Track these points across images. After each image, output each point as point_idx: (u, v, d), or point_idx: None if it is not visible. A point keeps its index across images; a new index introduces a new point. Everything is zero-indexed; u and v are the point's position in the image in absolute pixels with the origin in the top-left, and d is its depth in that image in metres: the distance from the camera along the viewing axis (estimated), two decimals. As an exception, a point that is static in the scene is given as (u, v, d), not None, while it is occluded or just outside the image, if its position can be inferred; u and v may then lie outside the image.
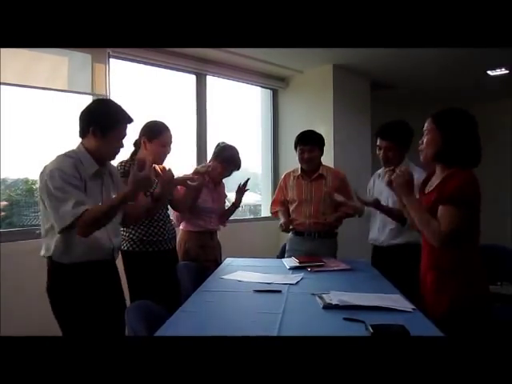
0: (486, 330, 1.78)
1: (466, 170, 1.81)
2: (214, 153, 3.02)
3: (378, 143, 2.72)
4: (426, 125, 1.91)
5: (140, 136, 2.63)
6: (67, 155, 1.95)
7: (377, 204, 2.61)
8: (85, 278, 1.95)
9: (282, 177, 3.24)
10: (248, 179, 3.12)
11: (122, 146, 2.05)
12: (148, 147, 2.59)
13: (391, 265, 2.51)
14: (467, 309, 1.79)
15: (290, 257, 2.96)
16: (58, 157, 1.94)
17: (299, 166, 3.10)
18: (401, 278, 2.20)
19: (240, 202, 3.14)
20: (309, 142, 2.99)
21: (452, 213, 1.75)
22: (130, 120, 2.05)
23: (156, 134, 2.58)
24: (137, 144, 2.66)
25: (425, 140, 1.91)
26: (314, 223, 2.99)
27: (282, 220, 3.03)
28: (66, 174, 1.85)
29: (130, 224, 2.40)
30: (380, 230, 2.70)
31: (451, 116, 1.87)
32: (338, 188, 2.99)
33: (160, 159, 2.64)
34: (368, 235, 2.87)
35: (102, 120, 1.95)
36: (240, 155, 3.02)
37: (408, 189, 1.91)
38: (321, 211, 2.98)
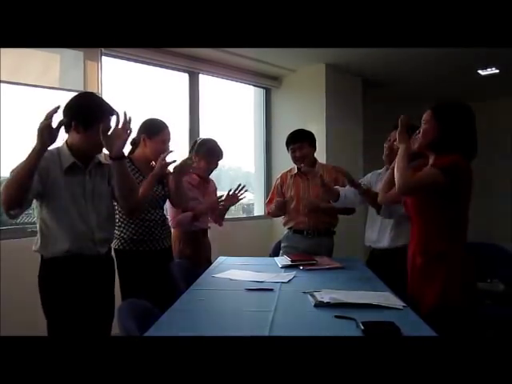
0: (473, 324, 1.82)
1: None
2: (194, 150, 2.97)
3: (392, 134, 2.59)
4: (424, 116, 1.97)
5: (139, 134, 2.62)
6: (48, 150, 1.93)
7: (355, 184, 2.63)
8: (67, 271, 1.97)
9: (278, 177, 3.24)
10: (239, 185, 2.98)
11: None
12: (148, 144, 2.59)
13: (388, 267, 2.50)
14: (454, 303, 1.82)
15: (285, 253, 2.97)
16: None
17: (295, 166, 3.11)
18: (397, 280, 2.20)
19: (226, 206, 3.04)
20: (298, 140, 3.01)
21: (428, 170, 1.84)
22: (112, 112, 2.02)
23: (156, 132, 2.59)
24: (135, 142, 2.66)
25: (421, 129, 1.96)
26: (313, 221, 2.99)
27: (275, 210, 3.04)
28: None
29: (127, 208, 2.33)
30: (380, 232, 2.67)
31: (449, 108, 1.94)
32: (336, 179, 2.98)
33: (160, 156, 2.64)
34: (360, 235, 2.87)
35: (83, 114, 1.95)
36: (219, 145, 2.97)
37: (404, 139, 1.99)
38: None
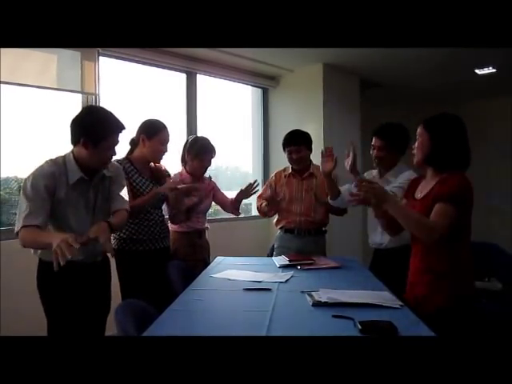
0: (476, 326, 1.82)
1: (458, 172, 1.86)
2: (186, 150, 2.98)
3: (372, 142, 2.74)
4: (418, 130, 1.98)
5: (138, 134, 2.63)
6: (53, 161, 1.99)
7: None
8: (67, 275, 1.96)
9: (273, 175, 3.26)
10: (255, 181, 3.06)
11: (114, 153, 2.06)
12: (147, 145, 2.59)
13: (392, 267, 2.49)
14: (459, 308, 1.83)
15: (279, 254, 2.99)
16: (45, 162, 1.98)
17: (290, 165, 3.12)
18: (402, 279, 2.19)
19: (238, 201, 3.09)
20: (296, 143, 3.02)
21: (450, 210, 1.79)
22: (121, 128, 2.03)
23: (155, 132, 2.59)
24: (134, 142, 2.66)
25: (416, 144, 1.97)
26: (305, 221, 3.01)
27: (265, 202, 3.06)
28: (37, 183, 1.90)
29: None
30: (382, 232, 2.65)
31: (440, 120, 1.94)
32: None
33: (158, 157, 2.66)
34: (359, 235, 2.87)
35: (93, 131, 1.94)
36: (211, 142, 2.97)
37: (385, 197, 1.88)
38: (312, 209, 3.01)
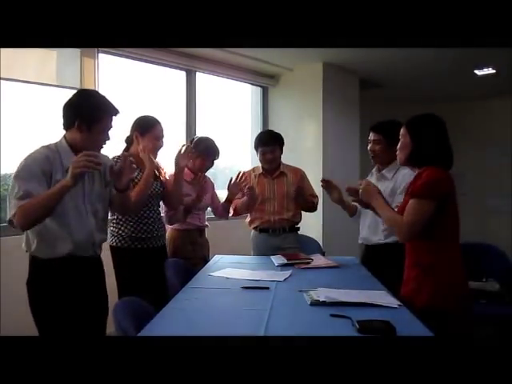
0: (465, 328, 1.83)
1: (432, 167, 1.87)
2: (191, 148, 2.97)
3: (369, 137, 2.75)
4: (401, 131, 2.02)
5: (132, 131, 2.63)
6: (45, 146, 1.94)
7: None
8: (63, 273, 1.93)
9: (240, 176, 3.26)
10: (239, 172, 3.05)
11: (107, 138, 2.02)
12: (141, 141, 2.58)
13: (382, 264, 2.51)
14: (444, 307, 1.82)
15: (257, 254, 3.07)
16: (37, 149, 1.93)
17: (259, 164, 3.19)
18: (391, 276, 2.21)
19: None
20: (270, 143, 3.08)
21: (413, 205, 1.84)
22: (115, 111, 2.01)
23: (148, 128, 2.58)
24: (129, 140, 2.66)
25: (399, 145, 2.02)
26: (279, 219, 3.07)
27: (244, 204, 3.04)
28: (31, 165, 1.85)
29: (122, 213, 2.42)
30: (371, 229, 2.69)
31: (420, 120, 1.98)
32: (300, 180, 3.14)
33: (153, 153, 2.64)
34: (357, 234, 2.88)
35: (87, 113, 1.92)
36: (216, 144, 2.99)
37: (372, 195, 2.05)
38: (284, 207, 3.09)
